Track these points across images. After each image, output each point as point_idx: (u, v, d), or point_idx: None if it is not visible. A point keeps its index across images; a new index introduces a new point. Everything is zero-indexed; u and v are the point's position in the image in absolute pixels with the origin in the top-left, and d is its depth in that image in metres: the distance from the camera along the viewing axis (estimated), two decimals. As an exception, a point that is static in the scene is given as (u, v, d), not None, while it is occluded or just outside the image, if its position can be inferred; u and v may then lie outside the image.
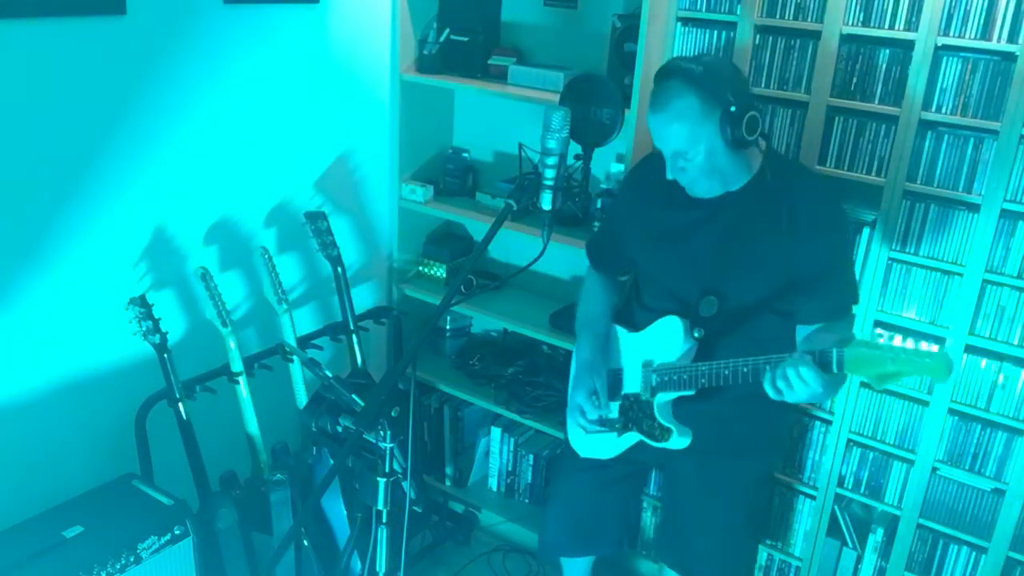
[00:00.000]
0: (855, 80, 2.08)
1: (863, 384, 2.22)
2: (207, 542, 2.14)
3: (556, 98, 2.38)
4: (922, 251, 2.09)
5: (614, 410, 2.00)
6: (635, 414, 1.94)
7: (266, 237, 2.52)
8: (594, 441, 2.06)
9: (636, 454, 2.01)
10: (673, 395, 1.86)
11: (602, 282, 2.14)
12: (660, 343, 1.89)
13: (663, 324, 1.89)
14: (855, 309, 2.15)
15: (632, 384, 1.95)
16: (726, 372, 1.73)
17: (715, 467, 2.00)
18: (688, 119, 1.68)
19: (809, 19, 2.09)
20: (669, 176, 1.78)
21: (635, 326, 1.99)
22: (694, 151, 1.71)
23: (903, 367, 1.50)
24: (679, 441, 1.86)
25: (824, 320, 1.81)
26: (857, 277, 2.06)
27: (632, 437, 1.97)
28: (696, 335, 1.84)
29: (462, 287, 1.70)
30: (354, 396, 1.75)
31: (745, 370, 1.70)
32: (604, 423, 2.00)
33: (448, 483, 3.03)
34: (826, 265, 1.78)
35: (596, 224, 2.47)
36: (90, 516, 1.99)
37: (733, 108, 1.67)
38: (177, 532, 2.03)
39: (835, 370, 1.56)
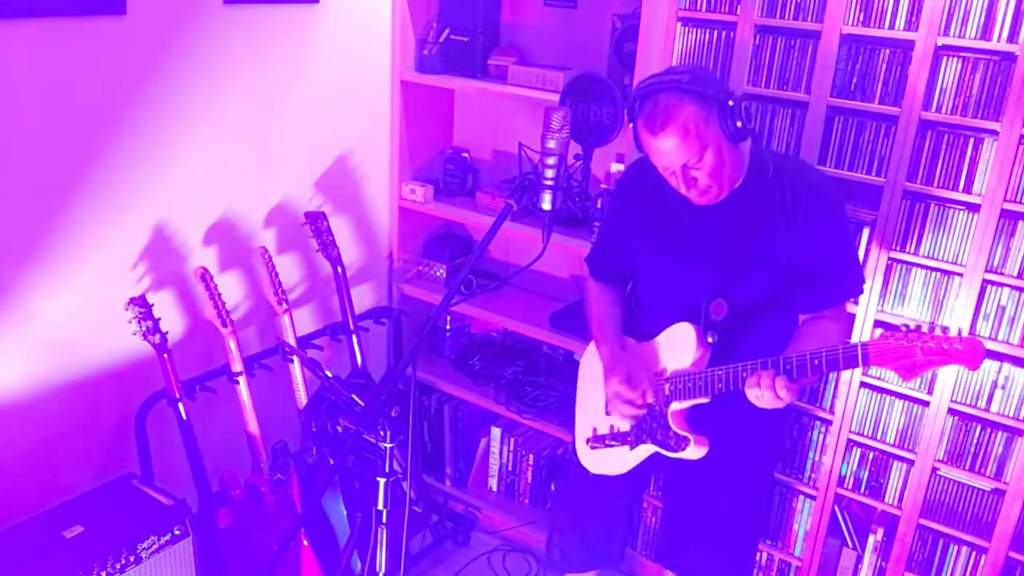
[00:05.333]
0: (855, 80, 2.08)
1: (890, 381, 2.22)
2: (207, 542, 2.14)
3: (556, 98, 2.38)
4: (922, 251, 2.09)
5: (625, 423, 1.96)
6: (648, 425, 1.88)
7: (266, 237, 2.52)
8: (605, 458, 2.01)
9: (643, 468, 1.97)
10: (687, 404, 1.82)
11: (607, 290, 2.08)
12: (673, 351, 1.85)
13: (675, 332, 1.85)
14: (856, 309, 2.16)
15: None
16: (745, 375, 1.68)
17: (720, 471, 1.98)
18: (693, 128, 1.65)
19: (809, 19, 2.09)
20: (683, 191, 1.74)
21: (643, 336, 1.94)
22: (704, 157, 1.68)
23: (933, 357, 1.44)
24: (696, 451, 1.80)
25: (827, 307, 1.80)
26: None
27: (644, 451, 1.91)
28: (710, 340, 1.79)
29: (462, 287, 1.70)
30: (354, 396, 1.75)
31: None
32: (616, 437, 1.96)
33: (448, 483, 3.03)
34: (827, 253, 1.77)
35: (596, 224, 2.46)
36: (90, 516, 1.99)
37: (731, 102, 1.66)
38: (177, 532, 2.03)
39: (861, 365, 1.54)
